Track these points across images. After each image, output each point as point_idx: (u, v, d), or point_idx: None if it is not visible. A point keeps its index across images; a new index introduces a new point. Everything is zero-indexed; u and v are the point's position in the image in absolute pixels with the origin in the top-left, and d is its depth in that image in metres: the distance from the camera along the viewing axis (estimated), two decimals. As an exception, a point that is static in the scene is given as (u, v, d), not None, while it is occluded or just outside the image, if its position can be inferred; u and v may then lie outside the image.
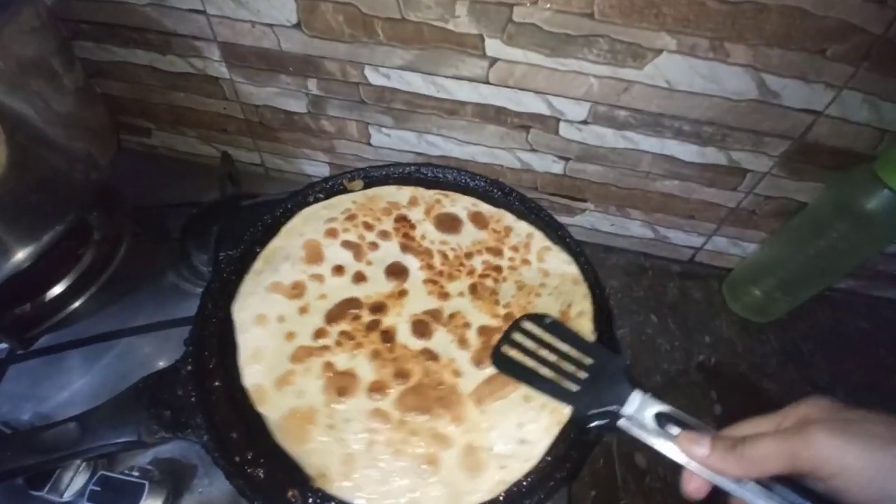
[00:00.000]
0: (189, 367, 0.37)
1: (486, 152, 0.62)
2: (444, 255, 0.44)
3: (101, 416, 0.35)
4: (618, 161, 0.59)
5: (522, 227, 0.48)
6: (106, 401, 0.35)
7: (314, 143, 0.68)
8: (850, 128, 0.50)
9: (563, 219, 0.68)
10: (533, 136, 0.59)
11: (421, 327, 0.39)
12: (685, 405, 0.58)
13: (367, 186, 0.52)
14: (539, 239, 0.47)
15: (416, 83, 0.57)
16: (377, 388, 0.35)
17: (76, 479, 0.42)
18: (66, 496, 0.41)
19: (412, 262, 0.44)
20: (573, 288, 0.43)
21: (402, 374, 0.36)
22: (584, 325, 0.40)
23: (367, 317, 0.39)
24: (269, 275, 0.42)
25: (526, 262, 0.45)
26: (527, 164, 0.63)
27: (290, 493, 0.31)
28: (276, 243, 0.45)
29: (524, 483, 0.33)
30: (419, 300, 0.41)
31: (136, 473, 0.39)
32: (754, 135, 0.52)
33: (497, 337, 0.38)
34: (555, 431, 0.34)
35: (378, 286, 0.41)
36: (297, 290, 0.41)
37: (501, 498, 0.32)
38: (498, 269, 0.44)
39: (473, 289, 0.42)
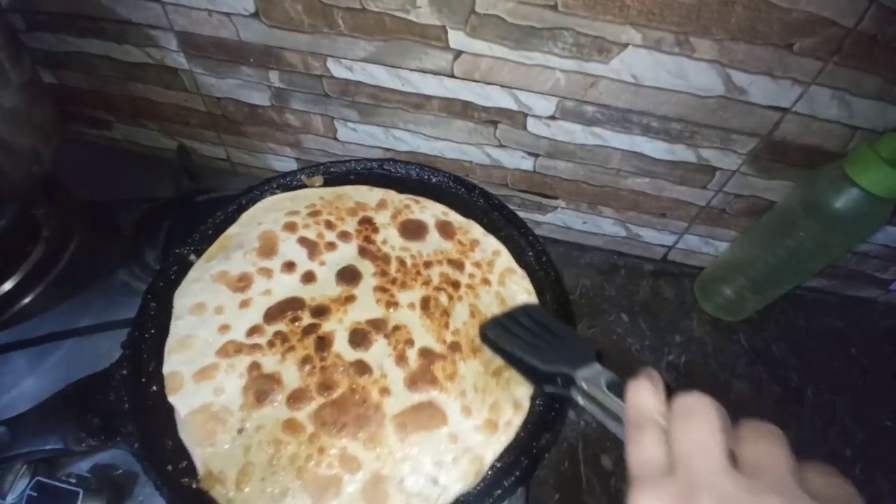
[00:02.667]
0: (124, 371, 0.35)
1: (455, 148, 0.61)
2: (402, 262, 0.43)
3: (28, 422, 0.33)
4: (587, 158, 0.58)
5: (490, 243, 0.46)
6: (34, 405, 0.34)
7: (279, 138, 0.66)
8: (819, 125, 0.49)
9: (534, 216, 0.67)
10: (501, 131, 0.57)
11: (359, 337, 0.37)
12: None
13: (326, 182, 0.50)
14: (505, 259, 0.45)
15: (380, 76, 0.55)
16: (298, 397, 0.34)
17: (18, 483, 0.40)
18: (10, 499, 0.40)
19: (367, 268, 0.42)
20: None
21: (326, 386, 0.35)
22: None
23: (306, 319, 0.38)
24: (220, 262, 0.41)
25: (486, 281, 0.43)
26: (496, 161, 0.61)
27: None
28: (233, 230, 0.44)
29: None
30: (365, 308, 0.39)
31: (72, 480, 0.38)
32: (722, 132, 0.51)
33: (440, 363, 0.37)
34: (471, 480, 0.33)
35: (326, 289, 0.40)
36: (243, 282, 0.40)
37: None
38: (456, 284, 0.42)
39: (425, 303, 0.40)
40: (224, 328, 0.37)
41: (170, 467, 0.32)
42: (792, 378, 0.60)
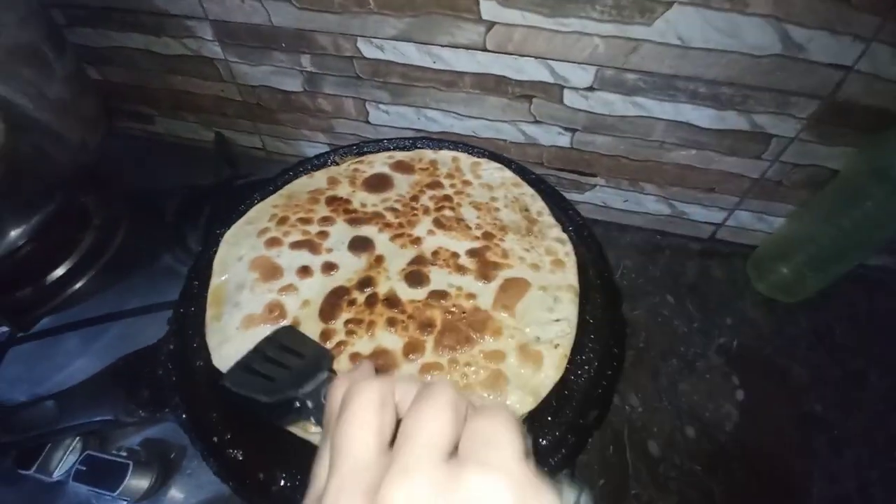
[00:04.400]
0: (171, 346, 0.36)
1: (488, 126, 0.60)
2: (393, 210, 0.45)
3: (79, 395, 0.34)
4: (628, 130, 0.55)
5: (444, 155, 0.50)
6: (85, 379, 0.35)
7: (312, 124, 0.66)
8: (882, 85, 0.44)
9: (572, 196, 0.65)
10: (536, 106, 0.56)
11: (415, 277, 0.39)
12: (704, 391, 0.54)
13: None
14: (464, 158, 0.49)
15: (410, 54, 0.54)
16: (412, 349, 0.35)
17: (66, 459, 0.41)
18: (56, 475, 0.41)
19: (370, 230, 0.43)
20: (519, 191, 0.46)
21: (427, 325, 0.36)
22: (546, 220, 0.44)
23: (361, 297, 0.38)
24: (233, 312, 0.38)
25: (467, 182, 0.47)
26: (531, 138, 0.59)
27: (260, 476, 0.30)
28: (216, 280, 0.40)
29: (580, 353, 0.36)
30: (397, 257, 0.40)
31: (123, 454, 0.39)
32: (779, 95, 0.47)
33: (489, 254, 0.40)
34: (576, 300, 0.38)
35: (352, 266, 0.40)
36: (275, 311, 0.37)
37: (569, 366, 0.35)
38: (447, 198, 0.45)
39: (439, 224, 0.42)
40: None
41: (216, 438, 0.32)
42: (854, 362, 0.56)
